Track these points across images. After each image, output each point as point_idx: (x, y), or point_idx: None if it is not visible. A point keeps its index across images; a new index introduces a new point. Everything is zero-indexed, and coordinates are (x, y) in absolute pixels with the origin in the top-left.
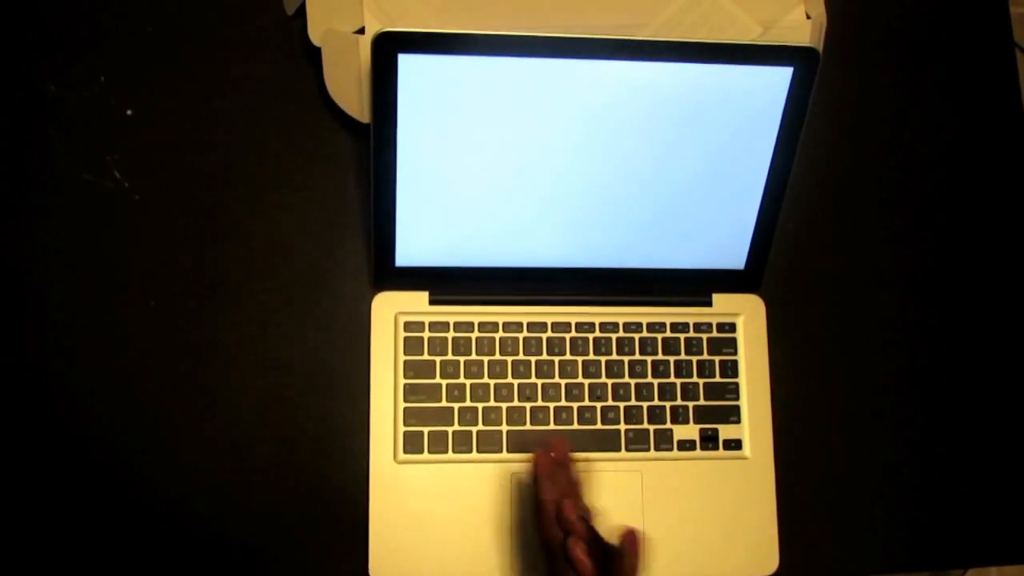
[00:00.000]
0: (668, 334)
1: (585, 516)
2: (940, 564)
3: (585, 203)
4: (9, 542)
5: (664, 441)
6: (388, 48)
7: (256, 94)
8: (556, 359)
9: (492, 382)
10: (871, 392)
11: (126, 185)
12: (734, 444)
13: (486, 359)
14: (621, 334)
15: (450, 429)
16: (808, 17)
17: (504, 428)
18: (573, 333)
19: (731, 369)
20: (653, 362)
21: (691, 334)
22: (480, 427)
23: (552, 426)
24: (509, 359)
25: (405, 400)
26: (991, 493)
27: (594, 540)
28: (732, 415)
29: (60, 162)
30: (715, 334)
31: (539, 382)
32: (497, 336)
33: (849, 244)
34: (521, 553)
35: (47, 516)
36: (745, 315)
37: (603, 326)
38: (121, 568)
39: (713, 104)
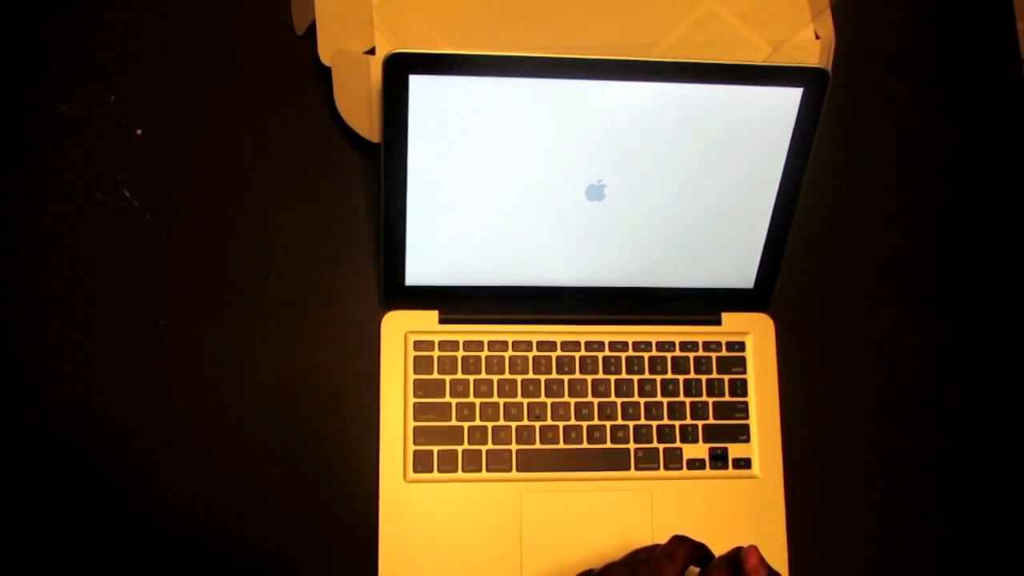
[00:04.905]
0: (677, 353)
1: None
2: None
3: (594, 223)
4: (16, 551)
5: (673, 460)
6: (399, 69)
7: (266, 113)
8: (566, 378)
9: (502, 401)
10: (881, 411)
11: (136, 204)
12: (743, 463)
13: (496, 378)
14: (630, 353)
15: (459, 448)
16: (817, 37)
17: (514, 447)
18: (582, 352)
19: (740, 388)
20: (662, 381)
21: (700, 353)
22: (490, 446)
23: (561, 444)
24: (519, 378)
25: (415, 419)
26: (1002, 512)
27: None
28: (741, 434)
29: (70, 182)
30: (724, 353)
31: (548, 401)
32: (507, 355)
33: (858, 263)
34: (531, 572)
35: (53, 532)
36: (754, 334)
37: (612, 345)
38: None
39: (723, 124)
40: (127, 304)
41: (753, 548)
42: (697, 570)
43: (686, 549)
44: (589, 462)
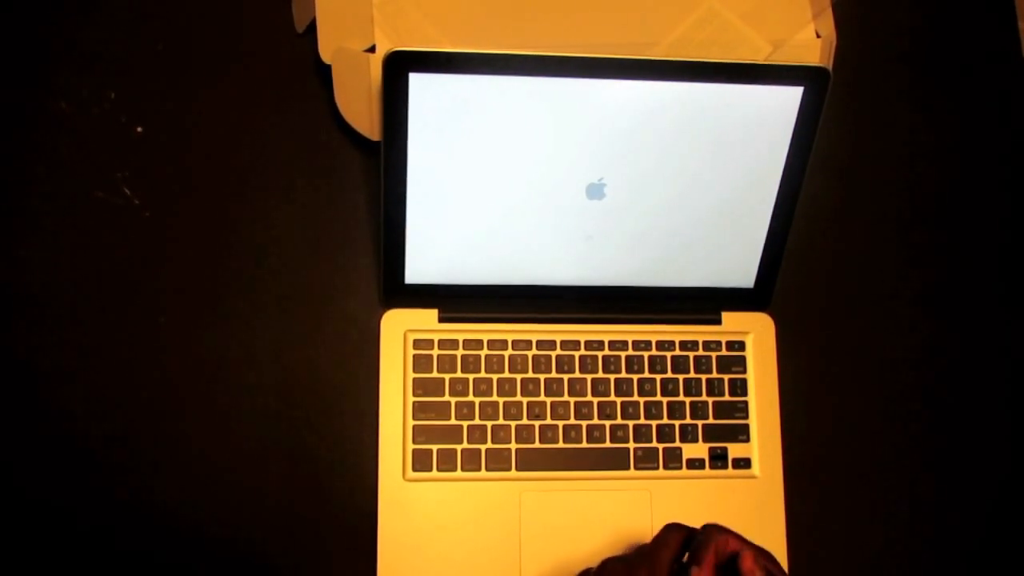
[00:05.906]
0: (677, 352)
1: None
2: None
3: (595, 221)
4: (16, 551)
5: (673, 459)
6: (399, 67)
7: (266, 111)
8: (565, 377)
9: (501, 400)
10: (881, 411)
11: (136, 202)
12: (743, 463)
13: (495, 377)
14: (630, 352)
15: (459, 447)
16: (818, 36)
17: (513, 446)
18: (582, 351)
19: (740, 387)
20: (662, 380)
21: (700, 352)
22: (489, 445)
23: (561, 444)
24: (518, 377)
25: (414, 418)
26: (1003, 512)
27: None
28: (741, 434)
29: (70, 180)
30: (724, 352)
31: (548, 400)
32: (506, 354)
33: (859, 262)
34: (530, 571)
35: (52, 531)
36: (754, 333)
37: (612, 344)
38: None
39: (724, 123)
40: (127, 302)
41: (748, 551)
42: None
43: (679, 536)
44: (588, 461)
